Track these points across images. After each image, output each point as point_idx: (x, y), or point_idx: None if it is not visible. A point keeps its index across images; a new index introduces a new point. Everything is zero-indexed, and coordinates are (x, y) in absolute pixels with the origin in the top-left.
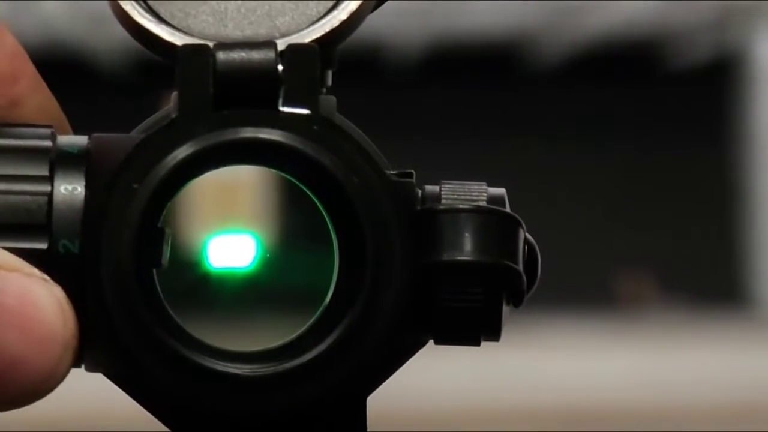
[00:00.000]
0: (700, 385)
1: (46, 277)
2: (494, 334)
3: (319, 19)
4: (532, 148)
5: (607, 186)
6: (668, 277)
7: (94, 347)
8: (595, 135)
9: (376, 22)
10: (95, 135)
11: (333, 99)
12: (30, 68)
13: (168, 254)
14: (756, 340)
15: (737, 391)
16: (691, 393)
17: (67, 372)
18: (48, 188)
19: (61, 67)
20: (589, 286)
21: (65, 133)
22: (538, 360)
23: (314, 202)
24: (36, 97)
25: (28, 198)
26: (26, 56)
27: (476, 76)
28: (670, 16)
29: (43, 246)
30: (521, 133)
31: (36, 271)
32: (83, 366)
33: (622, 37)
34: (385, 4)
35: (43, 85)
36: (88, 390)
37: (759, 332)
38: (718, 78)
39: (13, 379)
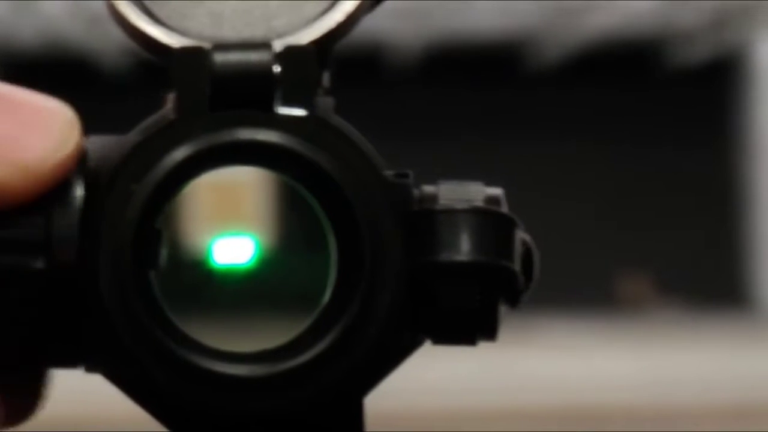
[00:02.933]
0: (700, 385)
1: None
2: (490, 334)
3: (315, 21)
4: (531, 148)
5: (607, 186)
6: (668, 277)
7: (94, 348)
8: (595, 135)
9: (375, 22)
10: (93, 136)
11: (330, 100)
12: None
13: (166, 256)
14: (755, 341)
15: (737, 391)
16: (691, 393)
17: (72, 154)
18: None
19: (60, 68)
20: (590, 286)
21: None
22: (538, 360)
23: (311, 202)
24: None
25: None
26: None
27: (476, 76)
28: (670, 17)
29: (42, 249)
30: (521, 133)
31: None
32: (83, 367)
33: (623, 37)
34: (384, 4)
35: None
36: (88, 390)
37: (759, 333)
38: (718, 78)
39: (9, 155)
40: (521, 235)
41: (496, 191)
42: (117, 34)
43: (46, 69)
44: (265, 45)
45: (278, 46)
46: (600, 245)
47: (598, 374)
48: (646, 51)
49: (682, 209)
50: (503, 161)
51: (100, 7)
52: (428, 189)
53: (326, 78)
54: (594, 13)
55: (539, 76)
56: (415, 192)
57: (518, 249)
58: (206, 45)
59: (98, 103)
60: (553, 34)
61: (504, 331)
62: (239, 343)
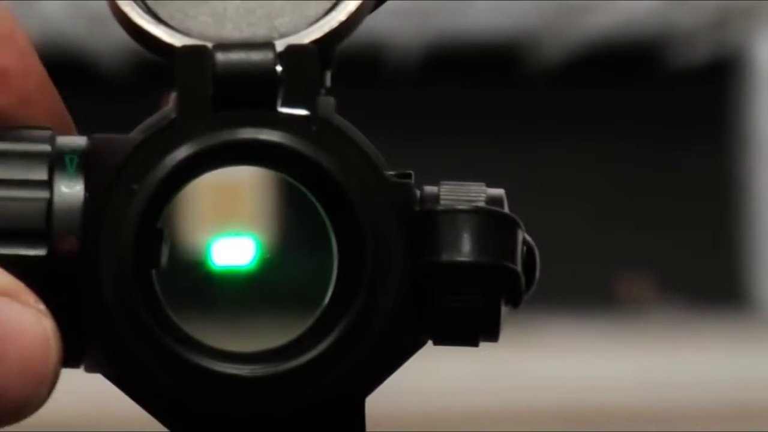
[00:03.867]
0: (700, 385)
1: (41, 306)
2: (493, 335)
3: (317, 20)
4: (531, 148)
5: (607, 186)
6: (668, 277)
7: (94, 348)
8: (595, 135)
9: (376, 22)
10: (94, 135)
11: (332, 100)
12: (39, 66)
13: (167, 255)
14: (756, 341)
15: (737, 391)
16: (691, 393)
17: (43, 403)
18: (47, 192)
19: (61, 67)
20: (589, 286)
21: (70, 132)
22: (538, 360)
23: (313, 202)
24: (44, 95)
25: (27, 203)
26: (35, 54)
27: (476, 76)
28: (670, 16)
29: (43, 248)
30: (521, 133)
31: (31, 298)
32: (83, 366)
33: (622, 37)
34: (385, 4)
35: (51, 83)
36: (88, 390)
37: (759, 332)
38: (718, 78)
39: None
40: (523, 235)
41: (498, 191)
42: (118, 33)
43: (46, 68)
44: (267, 44)
45: (280, 45)
46: (600, 245)
47: (599, 374)
48: (646, 51)
49: (682, 209)
50: (503, 161)
51: (101, 7)
52: (430, 189)
53: (328, 78)
54: (594, 13)
55: (540, 76)
56: (417, 192)
57: (520, 249)
58: (208, 44)
59: (98, 102)
60: (554, 34)
61: (504, 331)
62: (240, 343)
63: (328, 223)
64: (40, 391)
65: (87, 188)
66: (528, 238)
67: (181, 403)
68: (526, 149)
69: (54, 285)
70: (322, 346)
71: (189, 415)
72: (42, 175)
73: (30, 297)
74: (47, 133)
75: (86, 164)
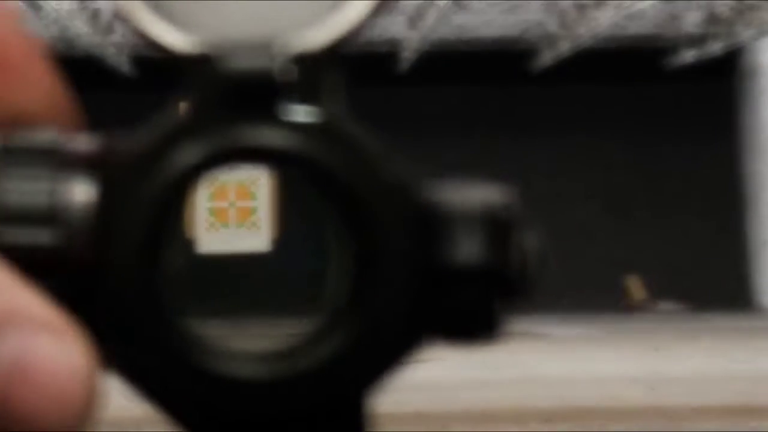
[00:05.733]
0: (700, 385)
1: (81, 341)
2: (494, 336)
3: (325, 23)
4: (534, 148)
5: (608, 187)
6: (670, 278)
7: (101, 347)
8: (597, 135)
9: (382, 23)
10: (102, 136)
11: (339, 101)
12: (43, 60)
13: (174, 256)
14: (756, 341)
15: (737, 392)
16: (692, 393)
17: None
18: (55, 191)
19: (66, 67)
20: (592, 287)
21: (78, 129)
22: (539, 360)
23: (320, 204)
24: (48, 88)
25: (36, 201)
26: (41, 47)
27: (478, 76)
28: (671, 16)
29: (51, 247)
30: (524, 133)
31: (71, 332)
32: None
33: (625, 36)
34: (390, 5)
35: (58, 79)
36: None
37: (759, 333)
38: (721, 78)
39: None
40: (526, 235)
41: (502, 192)
42: (125, 33)
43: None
44: (274, 47)
45: (288, 48)
46: (603, 247)
47: (600, 374)
48: (649, 51)
49: (684, 210)
50: (506, 161)
51: (107, 7)
52: (433, 190)
53: (335, 80)
54: (597, 13)
55: (542, 76)
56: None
57: (523, 250)
58: (215, 47)
59: (104, 103)
60: (557, 33)
61: (505, 332)
62: (247, 344)
63: (335, 224)
64: (76, 424)
65: (94, 189)
66: (531, 239)
67: (186, 403)
68: (528, 149)
69: (61, 284)
70: (326, 347)
71: (194, 414)
72: (51, 171)
73: (69, 331)
74: (56, 131)
75: (94, 164)
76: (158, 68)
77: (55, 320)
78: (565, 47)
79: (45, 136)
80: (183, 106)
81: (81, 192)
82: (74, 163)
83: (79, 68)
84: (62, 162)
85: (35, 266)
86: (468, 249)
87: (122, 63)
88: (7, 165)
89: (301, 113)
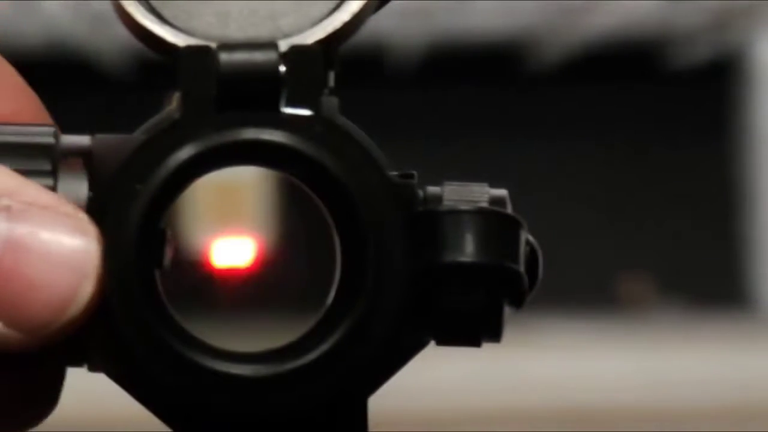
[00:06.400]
0: (700, 386)
1: (81, 214)
2: (495, 336)
3: (321, 20)
4: (532, 148)
5: (607, 187)
6: (668, 278)
7: (97, 347)
8: (596, 135)
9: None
10: (97, 135)
11: (335, 100)
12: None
13: (170, 255)
14: (756, 341)
15: (737, 392)
16: (691, 393)
17: (87, 299)
18: (54, 187)
19: (63, 68)
20: (590, 287)
21: (39, 119)
22: (538, 360)
23: (316, 203)
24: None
25: None
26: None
27: (477, 76)
28: (670, 16)
29: None
30: (522, 133)
31: (70, 207)
32: (85, 366)
33: (623, 37)
34: (388, 4)
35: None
36: (89, 390)
37: (759, 333)
38: (718, 78)
39: (30, 302)
40: (526, 235)
41: (501, 192)
42: (121, 33)
43: (49, 69)
44: (271, 45)
45: (284, 45)
46: (600, 245)
47: (599, 374)
48: (647, 51)
49: (682, 209)
50: (503, 161)
51: (103, 7)
52: (432, 190)
53: (332, 78)
54: (595, 13)
55: (540, 76)
56: (420, 193)
57: (523, 250)
58: (212, 44)
59: (101, 103)
60: (554, 34)
61: (506, 332)
62: (243, 343)
63: (330, 223)
64: (84, 284)
65: (90, 188)
66: (531, 238)
67: (183, 403)
68: (526, 149)
69: None
70: (324, 347)
71: (191, 415)
72: (46, 168)
73: (69, 207)
74: (51, 129)
75: (89, 164)
76: (156, 69)
77: (53, 200)
78: (563, 48)
79: (42, 131)
80: (178, 103)
81: (76, 190)
82: (68, 162)
83: (74, 69)
84: (59, 159)
85: None
86: (471, 247)
87: (118, 63)
88: (3, 160)
89: (296, 110)
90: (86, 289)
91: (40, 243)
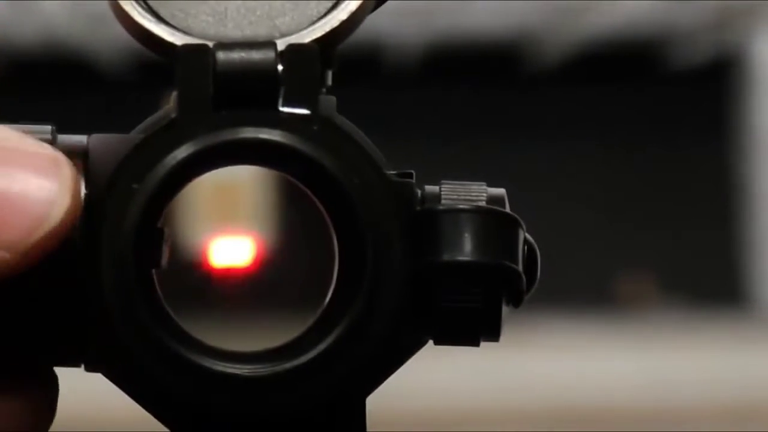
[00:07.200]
0: (700, 385)
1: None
2: (494, 335)
3: (319, 19)
4: (532, 148)
5: (607, 186)
6: (668, 278)
7: (95, 347)
8: (595, 135)
9: (376, 22)
10: (94, 135)
11: (333, 99)
12: None
13: (168, 255)
14: (756, 341)
15: (737, 391)
16: (692, 393)
17: (67, 213)
18: None
19: (60, 68)
20: (590, 286)
21: None
22: (538, 360)
23: (314, 202)
24: None
25: None
26: None
27: (476, 76)
28: (670, 17)
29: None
30: (521, 133)
31: (57, 165)
32: (83, 366)
33: (623, 37)
34: (386, 4)
35: None
36: (89, 390)
37: (759, 333)
38: (718, 78)
39: (7, 216)
40: (524, 234)
41: (499, 191)
42: (118, 33)
43: (46, 68)
44: (268, 44)
45: (281, 44)
46: (600, 245)
47: (599, 374)
48: (647, 51)
49: (682, 209)
50: (503, 161)
51: (101, 7)
52: (431, 189)
53: (329, 77)
54: (594, 13)
55: (540, 76)
56: (418, 192)
57: (521, 249)
58: (209, 43)
59: (98, 102)
60: (554, 34)
61: (504, 331)
62: (241, 342)
63: (329, 222)
64: (61, 196)
65: (87, 187)
66: (529, 237)
67: (181, 403)
68: (526, 149)
69: (54, 283)
70: (322, 346)
71: (189, 414)
72: None
73: (57, 168)
74: (48, 128)
75: (86, 163)
76: (154, 69)
77: (46, 157)
78: (563, 48)
79: (40, 130)
80: (175, 102)
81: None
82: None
83: (71, 69)
84: None
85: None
86: (469, 246)
87: (115, 63)
88: None
89: (294, 109)
90: (63, 199)
91: (15, 153)
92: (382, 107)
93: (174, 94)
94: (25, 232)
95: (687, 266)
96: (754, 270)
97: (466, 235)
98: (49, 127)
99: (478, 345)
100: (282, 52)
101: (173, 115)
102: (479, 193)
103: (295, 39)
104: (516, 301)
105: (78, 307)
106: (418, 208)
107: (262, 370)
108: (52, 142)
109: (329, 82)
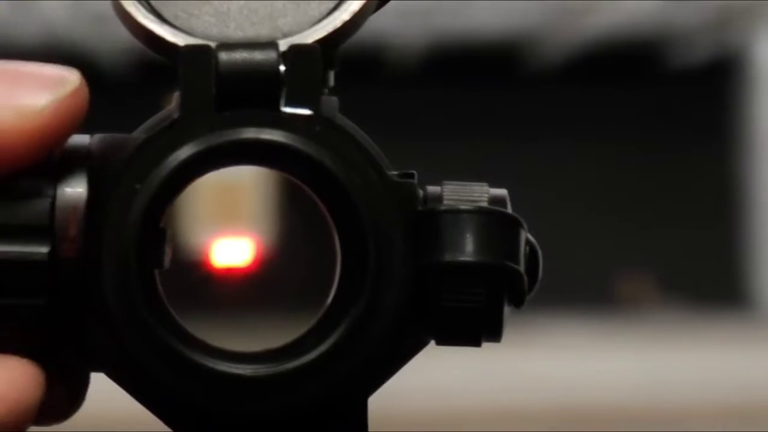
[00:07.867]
0: (700, 386)
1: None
2: (495, 335)
3: (321, 20)
4: (532, 148)
5: (607, 186)
6: (668, 277)
7: (97, 347)
8: (595, 135)
9: (377, 22)
10: (97, 135)
11: (335, 99)
12: None
13: (169, 255)
14: (756, 341)
15: (737, 391)
16: (691, 393)
17: (71, 102)
18: (51, 189)
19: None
20: (590, 286)
21: None
22: (538, 360)
23: (316, 202)
24: None
25: (31, 201)
26: None
27: (477, 76)
28: (670, 17)
29: (47, 246)
30: (522, 132)
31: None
32: (86, 365)
33: (623, 37)
34: (388, 4)
35: None
36: (91, 390)
37: (759, 333)
38: (718, 78)
39: (23, 81)
40: (526, 235)
41: (501, 192)
42: (120, 33)
43: None
44: (270, 44)
45: (284, 45)
46: (600, 245)
47: (598, 374)
48: (647, 51)
49: (682, 209)
50: (503, 161)
51: (103, 7)
52: (433, 189)
53: (331, 77)
54: (594, 13)
55: (540, 76)
56: (420, 192)
57: (523, 249)
58: (212, 44)
59: (100, 102)
60: (554, 34)
61: (505, 331)
62: (243, 342)
63: (330, 222)
64: (69, 75)
65: (89, 187)
66: (531, 238)
67: (183, 403)
68: (526, 149)
69: (57, 283)
70: (324, 346)
71: (191, 414)
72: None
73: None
74: None
75: (89, 163)
76: (156, 69)
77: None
78: (563, 48)
79: None
80: (178, 102)
81: (76, 189)
82: (68, 162)
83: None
84: (59, 158)
85: (30, 268)
86: (470, 247)
87: (117, 63)
88: None
89: (296, 109)
90: (73, 75)
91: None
92: (383, 107)
93: (176, 94)
94: (39, 98)
95: (687, 266)
96: (754, 270)
97: (468, 235)
98: None
99: (479, 345)
100: (284, 52)
101: (175, 116)
102: (481, 193)
103: (297, 39)
104: (518, 302)
105: (80, 306)
106: (420, 208)
107: (264, 370)
108: None
109: (331, 82)
